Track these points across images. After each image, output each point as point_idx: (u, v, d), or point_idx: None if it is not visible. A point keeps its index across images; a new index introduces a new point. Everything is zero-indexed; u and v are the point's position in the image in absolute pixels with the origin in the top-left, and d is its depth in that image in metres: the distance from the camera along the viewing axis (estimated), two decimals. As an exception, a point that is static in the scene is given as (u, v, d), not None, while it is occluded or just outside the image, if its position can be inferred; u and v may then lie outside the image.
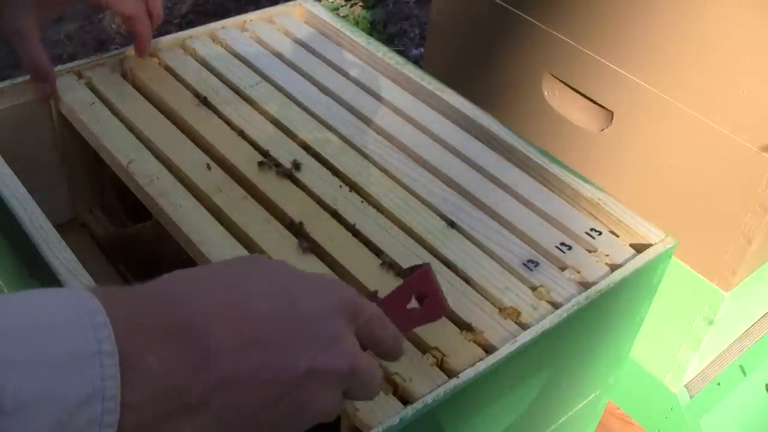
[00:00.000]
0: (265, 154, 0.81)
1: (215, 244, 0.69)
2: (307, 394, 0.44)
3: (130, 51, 0.92)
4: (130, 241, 0.90)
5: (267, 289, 0.44)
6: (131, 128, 0.83)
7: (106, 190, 0.95)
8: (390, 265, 0.69)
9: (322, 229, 0.73)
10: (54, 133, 0.89)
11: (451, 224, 0.75)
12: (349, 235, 0.73)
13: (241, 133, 0.84)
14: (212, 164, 0.78)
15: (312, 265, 0.69)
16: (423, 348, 0.63)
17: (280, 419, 0.43)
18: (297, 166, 0.79)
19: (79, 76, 0.89)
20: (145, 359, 0.38)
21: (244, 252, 0.69)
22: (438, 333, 0.64)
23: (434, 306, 0.57)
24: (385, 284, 0.67)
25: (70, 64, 0.90)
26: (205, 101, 0.87)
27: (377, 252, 0.71)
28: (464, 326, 0.65)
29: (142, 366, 0.38)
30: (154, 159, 0.79)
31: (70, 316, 0.37)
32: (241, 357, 0.41)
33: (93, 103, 0.86)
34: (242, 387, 0.41)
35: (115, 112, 0.85)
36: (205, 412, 0.40)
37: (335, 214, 0.75)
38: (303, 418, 0.44)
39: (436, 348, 0.62)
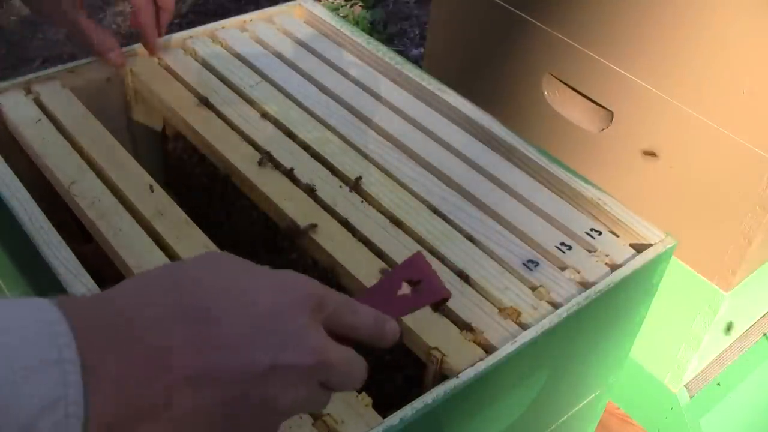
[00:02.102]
0: (265, 154, 0.81)
1: None
2: (274, 390, 0.44)
3: (140, 50, 0.92)
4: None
5: (224, 290, 0.44)
6: (76, 147, 0.80)
7: (59, 209, 0.92)
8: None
9: (322, 229, 0.73)
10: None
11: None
12: (349, 235, 0.73)
13: (241, 134, 0.84)
14: (155, 185, 0.76)
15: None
16: (423, 348, 0.63)
17: (250, 417, 0.43)
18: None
19: (28, 91, 0.87)
20: (107, 365, 0.39)
21: None
22: (438, 333, 0.64)
23: (430, 290, 0.57)
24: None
25: (18, 79, 0.87)
26: (205, 101, 0.87)
27: (377, 252, 0.71)
28: (464, 326, 0.65)
29: (105, 371, 0.39)
30: (98, 180, 0.76)
31: (32, 326, 0.38)
32: (199, 357, 0.41)
33: (39, 120, 0.82)
34: (204, 386, 0.41)
35: (62, 130, 0.82)
36: (169, 412, 0.41)
37: (335, 215, 0.75)
38: (274, 414, 0.45)
39: (436, 348, 0.63)
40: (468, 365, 0.61)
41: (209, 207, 0.88)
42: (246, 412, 0.43)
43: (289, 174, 0.79)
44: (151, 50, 0.90)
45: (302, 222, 0.73)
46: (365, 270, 0.69)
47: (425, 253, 0.72)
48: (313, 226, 0.72)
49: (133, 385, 0.40)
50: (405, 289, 0.56)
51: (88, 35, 0.86)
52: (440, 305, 0.62)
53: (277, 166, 0.80)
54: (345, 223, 0.74)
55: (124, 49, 0.92)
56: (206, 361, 0.42)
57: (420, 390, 0.62)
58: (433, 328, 0.64)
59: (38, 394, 0.36)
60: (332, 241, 0.72)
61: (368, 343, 0.50)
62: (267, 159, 0.80)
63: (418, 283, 0.56)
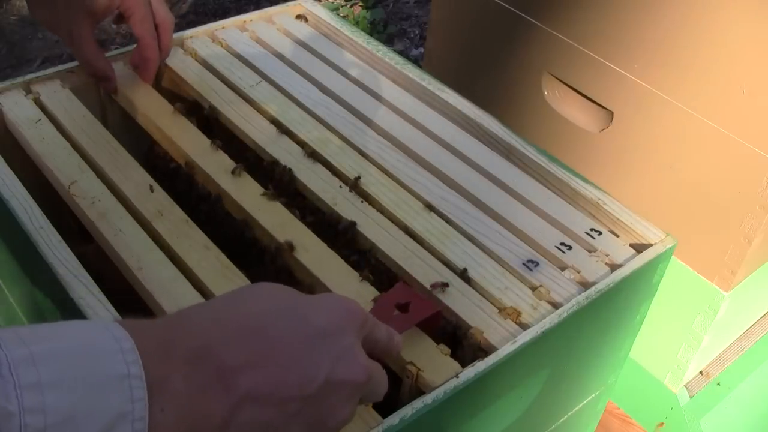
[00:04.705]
0: (264, 154, 0.81)
1: (153, 271, 0.67)
2: (327, 405, 0.46)
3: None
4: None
5: (278, 312, 0.47)
6: (76, 147, 0.80)
7: (59, 209, 0.86)
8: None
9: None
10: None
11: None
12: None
13: (242, 134, 0.84)
14: (155, 185, 0.75)
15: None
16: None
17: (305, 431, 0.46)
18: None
19: (28, 91, 0.86)
20: (171, 383, 0.41)
21: (183, 281, 0.66)
22: (438, 333, 0.64)
23: (421, 307, 0.61)
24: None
25: (18, 79, 0.87)
26: (205, 101, 0.87)
27: (378, 253, 0.71)
28: (464, 326, 0.65)
29: (169, 390, 0.41)
30: (98, 180, 0.76)
31: (103, 343, 0.40)
32: (259, 375, 0.44)
33: (39, 120, 0.82)
34: (263, 403, 0.44)
35: (61, 130, 0.82)
36: (228, 427, 0.43)
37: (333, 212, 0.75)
38: (326, 430, 0.47)
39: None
40: (467, 365, 0.61)
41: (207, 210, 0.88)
42: (299, 427, 0.45)
43: (289, 174, 0.79)
44: (146, 80, 0.89)
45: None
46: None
47: (425, 253, 0.72)
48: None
49: (197, 403, 0.42)
50: (396, 312, 0.61)
51: (91, 62, 0.85)
52: (437, 322, 0.64)
53: (276, 165, 0.80)
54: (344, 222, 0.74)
55: (123, 49, 0.92)
56: (266, 378, 0.44)
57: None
58: (433, 329, 0.64)
59: (108, 408, 0.38)
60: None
61: (380, 356, 0.52)
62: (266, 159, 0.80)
63: (407, 305, 0.61)
